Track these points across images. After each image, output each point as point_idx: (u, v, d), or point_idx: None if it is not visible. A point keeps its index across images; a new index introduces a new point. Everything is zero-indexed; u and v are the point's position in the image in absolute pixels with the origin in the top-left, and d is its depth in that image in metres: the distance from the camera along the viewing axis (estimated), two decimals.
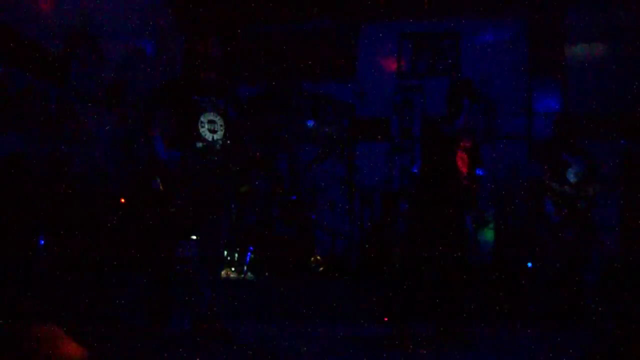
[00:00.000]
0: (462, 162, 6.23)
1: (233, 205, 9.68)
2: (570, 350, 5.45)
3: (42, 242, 7.82)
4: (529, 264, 8.48)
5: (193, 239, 6.18)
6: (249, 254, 9.37)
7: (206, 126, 5.33)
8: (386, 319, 7.03)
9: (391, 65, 11.91)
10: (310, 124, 11.66)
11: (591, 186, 7.36)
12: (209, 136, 5.34)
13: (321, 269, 9.66)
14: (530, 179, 7.66)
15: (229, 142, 5.44)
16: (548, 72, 11.08)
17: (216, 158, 5.37)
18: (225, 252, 9.39)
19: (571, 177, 7.42)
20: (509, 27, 11.52)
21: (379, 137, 11.44)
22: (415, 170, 7.42)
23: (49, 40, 8.52)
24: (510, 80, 11.19)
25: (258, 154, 9.53)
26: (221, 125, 5.41)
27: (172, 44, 10.91)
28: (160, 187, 5.17)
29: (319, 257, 9.81)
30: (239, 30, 11.94)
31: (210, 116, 5.38)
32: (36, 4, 8.29)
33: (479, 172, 6.43)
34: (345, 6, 11.26)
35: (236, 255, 9.49)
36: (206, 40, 5.51)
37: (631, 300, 7.19)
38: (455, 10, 11.28)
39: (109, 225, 8.25)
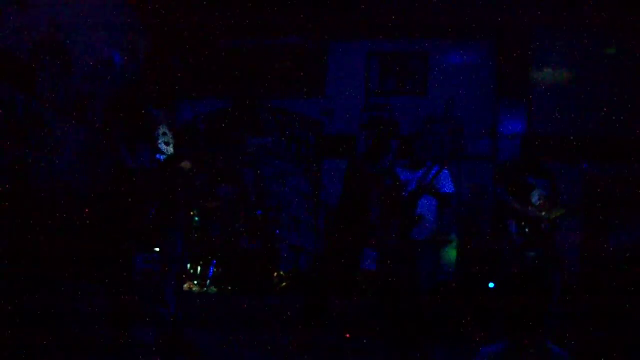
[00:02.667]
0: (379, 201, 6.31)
1: (197, 219, 9.64)
2: None
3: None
4: (491, 284, 8.53)
5: (155, 252, 6.15)
6: (212, 267, 9.33)
7: (161, 139, 5.28)
8: (348, 335, 7.04)
9: (359, 83, 11.96)
10: (268, 141, 11.69)
11: (554, 208, 7.44)
12: (164, 149, 5.29)
13: (284, 284, 9.63)
14: (495, 200, 7.71)
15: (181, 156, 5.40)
16: (514, 94, 11.19)
17: (177, 170, 5.33)
18: (189, 266, 9.35)
19: (535, 199, 7.48)
20: (477, 49, 11.65)
21: (345, 154, 11.46)
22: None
23: (16, 48, 8.44)
24: (476, 101, 11.31)
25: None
26: (172, 138, 5.36)
27: (140, 56, 10.88)
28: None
29: (282, 273, 9.78)
30: (208, 45, 11.94)
31: (164, 129, 5.33)
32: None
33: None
34: (314, 24, 11.29)
35: (199, 268, 9.44)
36: (166, 52, 5.50)
37: (590, 321, 7.28)
38: (424, 31, 11.40)
39: (71, 234, 8.18)
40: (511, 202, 7.38)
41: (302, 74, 11.99)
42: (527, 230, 7.35)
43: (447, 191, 6.65)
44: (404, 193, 6.60)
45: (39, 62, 8.96)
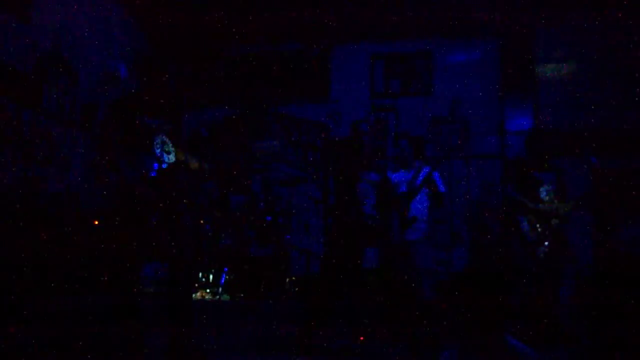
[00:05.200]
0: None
1: (208, 227, 9.64)
2: None
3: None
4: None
5: (164, 261, 6.12)
6: (223, 275, 9.33)
7: (160, 148, 5.26)
8: (362, 338, 7.02)
9: (364, 85, 11.97)
10: (274, 144, 11.69)
11: (563, 203, 7.43)
12: (165, 158, 5.27)
13: (296, 289, 9.61)
14: (504, 197, 7.72)
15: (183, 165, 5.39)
16: (520, 91, 11.18)
17: (180, 179, 5.32)
18: (200, 274, 9.35)
19: (543, 195, 7.47)
20: (481, 47, 11.63)
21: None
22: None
23: (21, 62, 8.46)
24: (482, 99, 11.29)
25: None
26: (172, 147, 5.35)
27: (142, 66, 10.88)
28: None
29: (294, 278, 9.76)
30: (211, 53, 11.98)
31: (162, 138, 5.30)
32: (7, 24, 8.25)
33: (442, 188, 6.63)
34: (317, 28, 11.30)
35: (211, 276, 9.44)
36: (167, 61, 5.49)
37: (605, 314, 7.24)
38: (427, 31, 11.39)
39: (82, 246, 8.18)
40: (521, 198, 7.38)
41: (306, 78, 12.02)
42: (537, 226, 7.34)
43: (439, 191, 6.67)
44: (395, 194, 6.67)
45: (44, 77, 8.98)
